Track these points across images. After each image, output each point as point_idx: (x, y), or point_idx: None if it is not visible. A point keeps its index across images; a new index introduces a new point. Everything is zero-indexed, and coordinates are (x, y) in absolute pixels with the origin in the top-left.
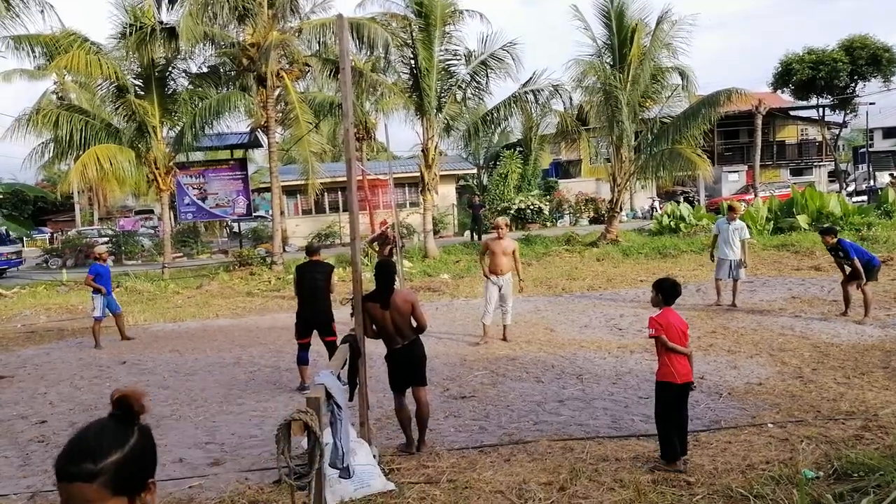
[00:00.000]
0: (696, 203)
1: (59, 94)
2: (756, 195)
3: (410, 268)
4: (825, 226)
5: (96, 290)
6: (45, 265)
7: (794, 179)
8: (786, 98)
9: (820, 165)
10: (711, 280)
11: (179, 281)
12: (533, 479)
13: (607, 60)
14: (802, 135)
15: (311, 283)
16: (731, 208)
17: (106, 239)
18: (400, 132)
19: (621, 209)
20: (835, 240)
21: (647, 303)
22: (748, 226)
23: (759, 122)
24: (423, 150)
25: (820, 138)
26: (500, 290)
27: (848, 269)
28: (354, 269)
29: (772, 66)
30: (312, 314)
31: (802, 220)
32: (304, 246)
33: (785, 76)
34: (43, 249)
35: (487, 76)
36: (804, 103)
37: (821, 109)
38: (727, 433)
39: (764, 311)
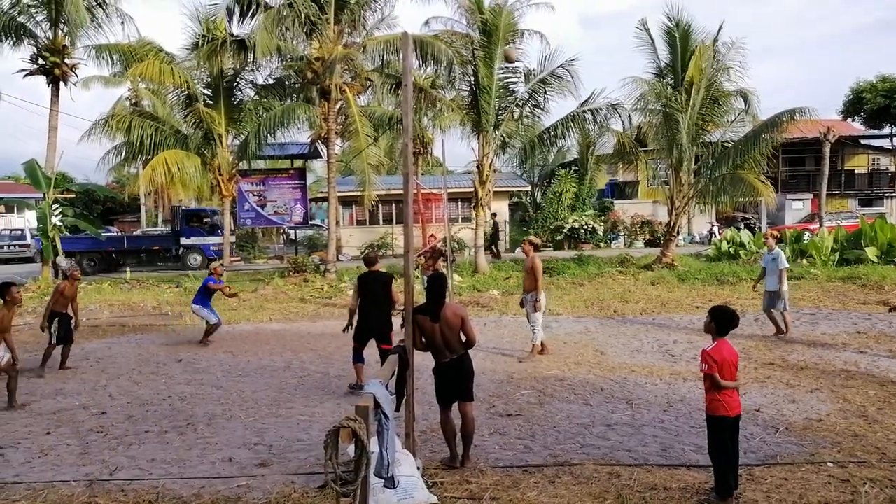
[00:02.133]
0: (758, 230)
1: (133, 101)
2: (821, 224)
3: (460, 282)
4: None
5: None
6: None
7: (863, 210)
8: (857, 126)
9: (892, 196)
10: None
11: (236, 284)
12: (578, 503)
13: (668, 81)
14: (874, 164)
15: (373, 293)
16: (765, 236)
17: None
18: (456, 147)
19: (678, 233)
20: None
21: (701, 329)
22: (808, 252)
23: (827, 149)
24: (477, 167)
25: (893, 168)
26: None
27: None
28: (406, 281)
29: (842, 93)
30: (373, 322)
31: (871, 252)
32: (356, 256)
33: (856, 104)
34: None
35: (546, 94)
36: (876, 132)
37: (895, 139)
38: (783, 469)
39: (826, 344)
